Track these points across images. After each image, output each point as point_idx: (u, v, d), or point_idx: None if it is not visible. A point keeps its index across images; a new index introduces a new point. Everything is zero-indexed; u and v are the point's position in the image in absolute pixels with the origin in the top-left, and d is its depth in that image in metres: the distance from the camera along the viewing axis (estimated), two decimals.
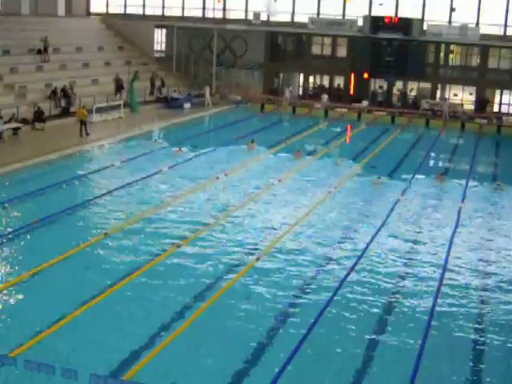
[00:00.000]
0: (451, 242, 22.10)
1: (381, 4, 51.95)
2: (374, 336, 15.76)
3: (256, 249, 20.64)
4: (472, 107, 51.34)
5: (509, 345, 15.74)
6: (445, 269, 19.71)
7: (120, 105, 41.42)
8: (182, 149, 33.92)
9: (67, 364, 12.47)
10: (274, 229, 22.60)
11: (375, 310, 17.02)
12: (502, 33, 50.34)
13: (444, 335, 15.98)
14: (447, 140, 43.73)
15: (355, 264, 19.62)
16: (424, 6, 51.42)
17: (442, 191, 29.42)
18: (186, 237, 21.25)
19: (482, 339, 15.96)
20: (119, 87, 43.95)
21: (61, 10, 54.41)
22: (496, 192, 29.66)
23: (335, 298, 17.35)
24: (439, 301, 17.55)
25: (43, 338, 14.55)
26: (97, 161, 31.73)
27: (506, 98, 51.70)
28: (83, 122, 35.45)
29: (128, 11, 58.77)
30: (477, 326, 16.63)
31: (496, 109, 51.62)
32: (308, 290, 17.94)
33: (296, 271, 19.01)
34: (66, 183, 26.78)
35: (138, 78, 44.41)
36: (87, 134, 35.43)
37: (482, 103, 50.92)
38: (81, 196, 25.46)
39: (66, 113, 39.36)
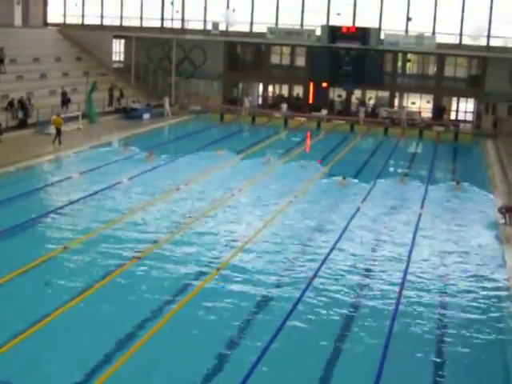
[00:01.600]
0: (412, 248, 22.20)
1: (338, 14, 52.26)
2: (335, 344, 15.68)
3: (215, 260, 20.44)
4: (430, 115, 51.85)
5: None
6: (406, 274, 19.79)
7: (78, 116, 41.01)
8: (153, 155, 34.28)
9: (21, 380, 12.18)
10: (234, 240, 22.39)
11: (336, 318, 16.95)
12: (457, 41, 50.95)
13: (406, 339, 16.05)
14: (406, 147, 44.10)
15: (316, 273, 19.53)
16: (381, 15, 51.84)
17: (401, 198, 29.50)
18: (146, 249, 20.99)
19: (445, 341, 16.08)
20: (66, 101, 42.83)
21: (17, 21, 53.77)
22: (455, 192, 30.25)
23: (297, 308, 17.23)
24: (401, 307, 17.59)
25: None
26: (55, 173, 31.29)
27: (462, 105, 52.34)
28: (59, 131, 35.80)
29: (86, 22, 58.31)
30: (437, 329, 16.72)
31: (453, 116, 52.22)
32: (268, 301, 17.79)
33: (256, 282, 18.85)
34: (23, 196, 26.33)
35: (96, 88, 44.01)
36: (59, 143, 35.59)
37: (440, 111, 51.44)
38: (39, 209, 25.01)
39: (23, 124, 38.81)
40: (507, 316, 17.63)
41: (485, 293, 18.91)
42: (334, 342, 15.76)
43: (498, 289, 19.28)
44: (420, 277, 19.85)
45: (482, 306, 18.07)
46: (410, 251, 21.84)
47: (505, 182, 33.00)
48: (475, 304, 18.14)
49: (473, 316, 17.41)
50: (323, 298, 17.92)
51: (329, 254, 21.14)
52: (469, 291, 18.98)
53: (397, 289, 18.73)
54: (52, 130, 37.67)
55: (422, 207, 27.70)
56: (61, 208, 24.92)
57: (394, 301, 17.90)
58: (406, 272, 19.99)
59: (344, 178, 31.09)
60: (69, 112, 41.02)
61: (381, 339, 15.67)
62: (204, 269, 19.64)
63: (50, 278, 18.30)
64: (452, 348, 15.79)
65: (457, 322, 17.07)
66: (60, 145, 35.68)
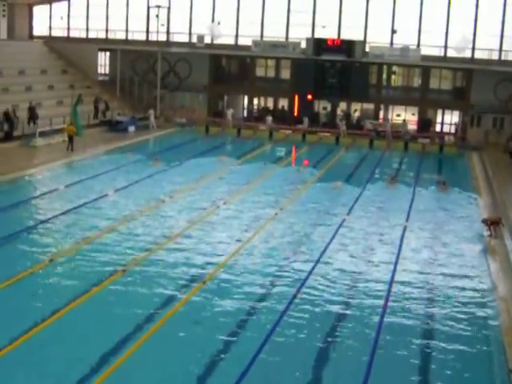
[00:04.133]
0: (397, 262, 22.27)
1: (323, 26, 52.58)
2: (322, 355, 15.72)
3: (201, 272, 20.45)
4: (415, 127, 52.11)
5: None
6: (391, 284, 19.87)
7: (64, 128, 40.93)
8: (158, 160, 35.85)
9: None
10: (219, 255, 22.34)
11: (324, 327, 17.00)
12: (442, 54, 51.33)
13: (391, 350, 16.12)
14: (391, 159, 44.32)
15: (302, 285, 19.58)
16: (366, 28, 52.18)
17: (387, 209, 29.65)
18: (132, 261, 20.97)
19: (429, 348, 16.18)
20: (34, 116, 41.45)
21: (3, 34, 53.82)
22: (441, 193, 31.33)
23: (283, 319, 17.26)
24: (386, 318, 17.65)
25: None
26: (41, 185, 31.22)
27: (447, 117, 52.66)
28: (71, 138, 37.67)
29: (71, 34, 58.44)
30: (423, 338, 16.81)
31: (438, 128, 52.52)
32: (255, 313, 17.81)
33: (242, 294, 18.88)
34: (9, 208, 26.27)
35: (81, 101, 43.91)
36: (72, 150, 37.62)
37: (425, 123, 51.70)
38: (25, 221, 24.93)
39: (8, 137, 38.71)
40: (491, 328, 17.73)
41: (471, 311, 19.03)
42: (318, 355, 15.81)
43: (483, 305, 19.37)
44: (405, 291, 19.91)
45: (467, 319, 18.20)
46: (395, 265, 21.89)
47: (490, 193, 33.19)
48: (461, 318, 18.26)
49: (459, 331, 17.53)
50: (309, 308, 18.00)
51: (314, 267, 21.20)
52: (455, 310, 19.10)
53: (382, 301, 18.82)
54: (38, 142, 37.80)
55: (407, 220, 27.80)
56: (45, 221, 24.84)
57: (379, 311, 17.98)
58: (390, 284, 20.08)
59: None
60: (38, 127, 40.23)
61: (367, 350, 15.76)
62: (189, 282, 19.67)
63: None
64: (438, 357, 15.91)
65: (442, 332, 17.20)
66: (72, 151, 37.56)
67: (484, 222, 26.17)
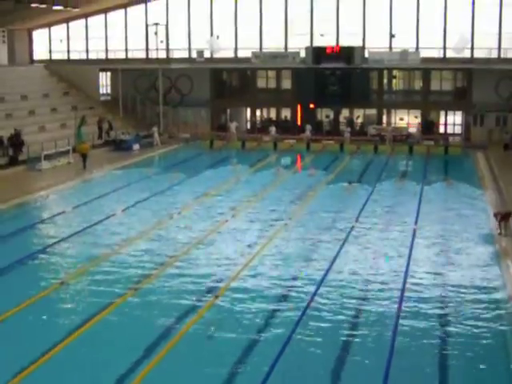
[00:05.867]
0: (408, 264, 22.12)
1: (322, 35, 52.55)
2: (338, 366, 15.58)
3: (214, 287, 20.33)
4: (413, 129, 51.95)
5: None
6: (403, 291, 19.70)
7: (69, 150, 40.98)
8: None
9: None
10: (231, 265, 22.25)
11: (341, 334, 16.87)
12: (441, 55, 51.27)
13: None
14: (396, 163, 44.23)
15: (314, 294, 19.45)
16: (364, 33, 52.19)
17: (395, 212, 29.55)
18: (142, 280, 20.85)
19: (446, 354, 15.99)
20: (19, 143, 39.99)
21: (3, 59, 53.99)
22: (448, 191, 31.77)
23: (297, 330, 17.11)
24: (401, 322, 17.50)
25: None
26: (48, 208, 31.21)
27: (450, 118, 52.54)
28: (85, 156, 38.75)
29: (71, 57, 58.69)
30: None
31: (442, 130, 52.40)
32: (269, 326, 17.66)
33: (256, 307, 18.73)
34: (17, 233, 26.22)
35: (85, 122, 44.02)
36: (84, 167, 38.80)
37: (428, 125, 51.56)
38: (34, 245, 24.85)
39: (13, 162, 38.73)
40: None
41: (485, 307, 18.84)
42: (335, 365, 15.68)
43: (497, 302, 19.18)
44: (418, 290, 19.78)
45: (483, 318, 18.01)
46: (407, 267, 21.73)
47: (497, 190, 33.04)
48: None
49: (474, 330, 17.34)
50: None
51: (326, 274, 21.09)
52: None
53: (396, 305, 18.68)
54: (44, 165, 37.89)
55: (416, 222, 27.67)
56: (55, 243, 24.76)
57: (394, 315, 17.84)
58: (403, 288, 19.94)
59: (350, 183, 33.78)
60: (22, 155, 39.74)
61: (382, 357, 15.62)
62: (201, 297, 19.56)
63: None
64: (454, 362, 15.74)
65: (458, 332, 17.05)
66: (84, 169, 38.61)
67: (495, 216, 25.96)
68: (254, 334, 16.98)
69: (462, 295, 19.57)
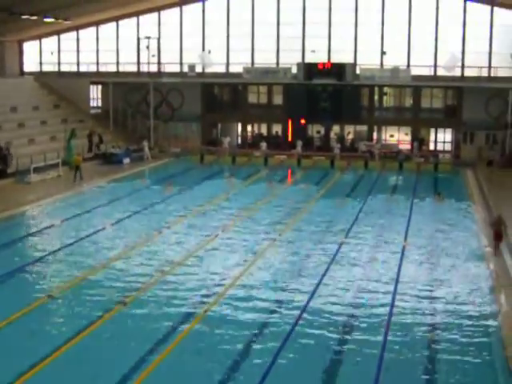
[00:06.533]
0: (397, 282, 22.15)
1: (313, 51, 52.78)
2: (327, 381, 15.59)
3: (202, 303, 20.31)
4: (408, 147, 52.19)
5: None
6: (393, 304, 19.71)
7: (58, 163, 40.94)
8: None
9: None
10: (219, 282, 22.24)
11: (331, 348, 16.87)
12: (432, 73, 51.60)
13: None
14: (386, 180, 44.39)
15: (303, 311, 19.45)
16: (356, 50, 52.46)
17: (385, 230, 29.64)
18: (130, 295, 20.81)
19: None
20: (1, 156, 39.58)
21: None
22: (438, 206, 31.64)
23: (286, 344, 17.11)
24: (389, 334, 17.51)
25: None
26: (37, 221, 31.08)
27: (440, 136, 52.84)
28: (78, 168, 38.98)
29: (62, 69, 58.62)
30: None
31: (432, 147, 52.65)
32: (260, 339, 17.66)
33: (246, 320, 18.73)
34: (5, 246, 26.15)
35: (75, 135, 44.04)
36: (81, 179, 39.16)
37: (418, 143, 51.76)
38: (22, 258, 24.80)
39: (2, 174, 38.63)
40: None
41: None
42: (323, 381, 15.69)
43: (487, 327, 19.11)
44: (407, 313, 19.74)
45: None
46: (396, 285, 21.73)
47: (486, 208, 33.18)
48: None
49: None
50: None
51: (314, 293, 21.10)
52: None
53: (385, 321, 18.70)
54: (33, 178, 37.81)
55: (405, 238, 27.75)
56: (43, 257, 24.69)
57: (382, 333, 17.84)
58: (392, 305, 19.96)
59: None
60: (11, 167, 39.68)
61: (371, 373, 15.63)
62: (189, 313, 19.53)
63: None
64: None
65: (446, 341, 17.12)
66: (81, 180, 39.18)
67: (491, 225, 26.03)
68: (243, 352, 16.98)
69: (452, 319, 19.43)
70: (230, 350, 16.92)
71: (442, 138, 53.05)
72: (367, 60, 52.22)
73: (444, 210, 34.02)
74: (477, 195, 37.08)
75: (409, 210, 33.44)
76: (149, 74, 54.35)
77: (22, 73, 58.51)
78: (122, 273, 23.01)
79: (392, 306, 19.94)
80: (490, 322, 19.02)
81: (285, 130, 54.01)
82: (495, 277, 22.78)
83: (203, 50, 54.66)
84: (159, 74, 55.04)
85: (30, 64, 59.22)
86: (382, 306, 20.05)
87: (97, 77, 56.79)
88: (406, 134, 53.30)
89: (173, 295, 20.80)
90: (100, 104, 58.17)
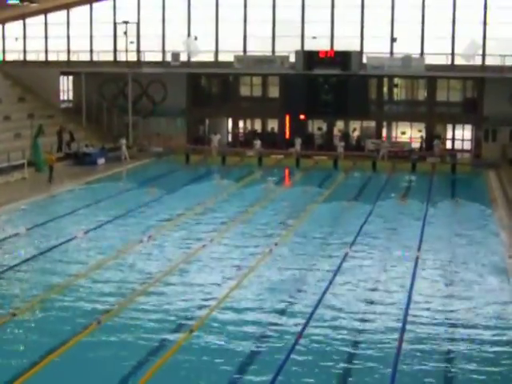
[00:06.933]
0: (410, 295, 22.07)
1: (314, 37, 52.77)
2: None
3: (189, 319, 20.20)
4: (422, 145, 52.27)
5: None
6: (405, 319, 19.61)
7: (23, 164, 40.84)
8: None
9: None
10: (206, 299, 22.09)
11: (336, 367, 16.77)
12: (449, 62, 51.55)
13: None
14: (396, 183, 44.35)
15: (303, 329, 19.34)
16: (362, 37, 52.49)
17: (394, 240, 29.58)
18: (106, 311, 20.68)
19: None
20: None
21: None
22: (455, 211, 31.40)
23: (279, 377, 16.97)
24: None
25: None
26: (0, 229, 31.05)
27: (458, 133, 52.82)
28: (51, 168, 39.99)
29: (28, 58, 58.56)
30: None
31: (449, 146, 52.66)
32: (249, 370, 17.52)
33: (233, 348, 18.57)
34: None
35: (42, 132, 43.95)
36: (49, 181, 39.93)
37: (433, 140, 51.78)
38: None
39: None
40: None
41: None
42: None
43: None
44: (423, 323, 19.68)
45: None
46: (407, 307, 21.57)
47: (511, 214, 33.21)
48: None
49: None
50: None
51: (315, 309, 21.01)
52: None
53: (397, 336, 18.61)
54: None
55: (419, 249, 27.69)
56: (4, 271, 24.49)
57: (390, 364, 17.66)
58: (405, 319, 19.87)
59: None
60: None
61: None
62: (173, 334, 19.40)
63: None
64: None
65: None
66: (50, 182, 39.86)
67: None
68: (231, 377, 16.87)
69: (472, 336, 19.39)
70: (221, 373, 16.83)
71: (461, 136, 53.05)
72: (375, 48, 52.25)
73: (462, 218, 33.90)
74: (500, 200, 37.03)
75: (422, 218, 33.36)
76: (127, 63, 54.25)
77: None
78: (97, 286, 22.89)
79: (403, 331, 19.82)
80: None
81: (282, 127, 53.98)
82: None
83: (189, 36, 54.64)
84: (139, 63, 54.98)
85: None
86: (392, 330, 19.87)
87: (68, 66, 56.72)
88: (420, 131, 53.30)
89: (148, 318, 20.48)
90: (71, 97, 58.20)
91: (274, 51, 53.92)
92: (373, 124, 53.77)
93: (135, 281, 23.79)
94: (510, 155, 48.66)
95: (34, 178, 40.49)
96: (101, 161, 47.30)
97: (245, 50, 54.40)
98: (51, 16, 57.67)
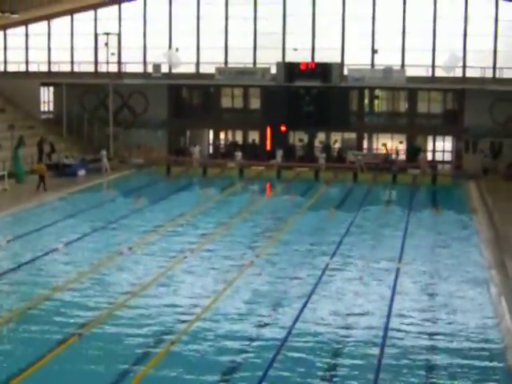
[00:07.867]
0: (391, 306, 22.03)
1: (295, 49, 52.82)
2: None
3: (170, 331, 20.08)
4: (403, 157, 52.36)
5: None
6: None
7: (4, 175, 40.61)
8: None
9: None
10: (185, 314, 21.95)
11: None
12: (429, 74, 51.74)
13: None
14: (377, 194, 44.39)
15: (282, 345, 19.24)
16: (343, 49, 52.58)
17: (375, 253, 29.56)
18: (85, 324, 20.51)
19: None
20: None
21: None
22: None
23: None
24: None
25: None
26: None
27: (439, 144, 52.98)
28: (42, 178, 40.08)
29: (9, 68, 58.32)
30: None
31: (430, 157, 52.78)
32: (233, 372, 17.44)
33: (213, 362, 18.43)
34: None
35: (23, 143, 43.75)
36: (45, 190, 40.08)
37: (414, 152, 51.91)
38: None
39: None
40: None
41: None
42: None
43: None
44: (401, 353, 19.50)
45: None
46: (388, 319, 21.48)
47: (491, 225, 33.22)
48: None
49: None
50: None
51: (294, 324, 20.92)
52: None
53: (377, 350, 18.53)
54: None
55: (399, 260, 27.67)
56: None
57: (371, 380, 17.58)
58: (386, 329, 19.80)
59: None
60: None
61: None
62: (153, 347, 19.24)
63: None
64: None
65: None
66: (45, 191, 40.00)
67: None
68: None
69: (452, 347, 19.36)
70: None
71: (441, 147, 53.20)
72: (356, 59, 52.33)
73: (443, 229, 33.94)
74: (481, 211, 37.12)
75: (403, 229, 33.37)
76: (108, 74, 54.13)
77: None
78: (77, 299, 22.67)
79: (383, 343, 19.75)
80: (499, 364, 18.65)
81: (263, 138, 53.95)
82: (499, 301, 22.74)
83: (170, 47, 54.57)
84: (119, 74, 54.86)
85: None
86: (372, 344, 19.77)
87: (48, 77, 56.54)
88: (401, 143, 53.42)
89: (128, 331, 20.38)
90: (52, 108, 57.93)
91: (255, 63, 53.96)
92: (354, 136, 53.82)
93: (115, 293, 23.64)
94: (490, 167, 48.82)
95: (14, 189, 40.24)
96: (81, 172, 47.10)
97: (226, 62, 54.42)
98: (32, 27, 57.49)
